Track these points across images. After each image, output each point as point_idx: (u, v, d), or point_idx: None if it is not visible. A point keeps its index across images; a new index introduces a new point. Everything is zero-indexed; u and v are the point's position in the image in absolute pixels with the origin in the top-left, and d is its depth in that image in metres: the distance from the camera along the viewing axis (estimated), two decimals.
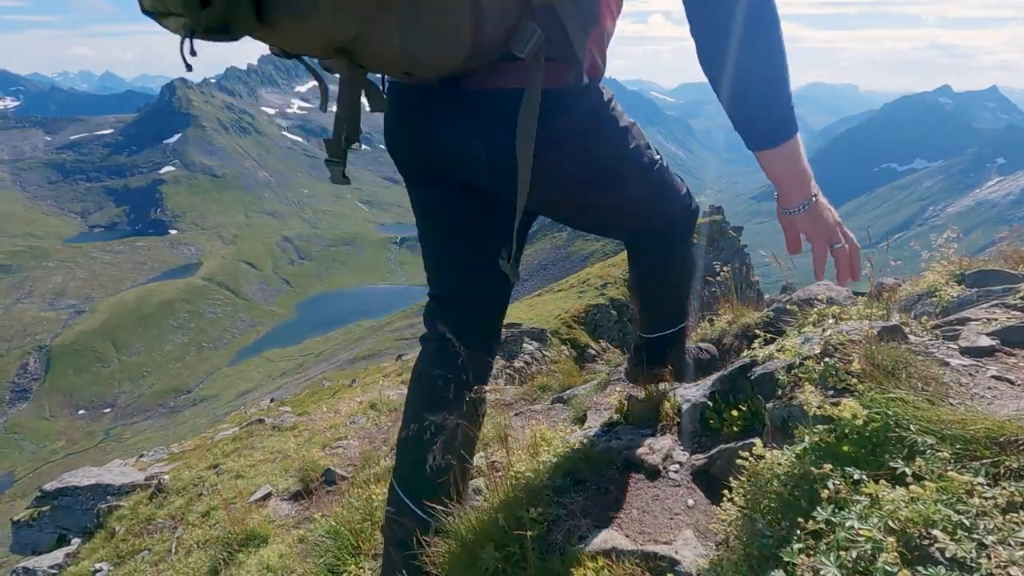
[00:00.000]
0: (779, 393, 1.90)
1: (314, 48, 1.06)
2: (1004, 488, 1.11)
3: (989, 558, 0.98)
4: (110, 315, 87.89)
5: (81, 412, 75.24)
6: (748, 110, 1.21)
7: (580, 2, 1.15)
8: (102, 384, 79.39)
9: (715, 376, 2.42)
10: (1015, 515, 1.04)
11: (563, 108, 1.22)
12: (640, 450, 2.13)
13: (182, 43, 0.97)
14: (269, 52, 1.14)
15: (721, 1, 1.15)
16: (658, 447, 2.15)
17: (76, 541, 5.45)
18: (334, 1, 0.94)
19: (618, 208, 1.56)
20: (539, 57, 1.13)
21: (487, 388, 1.52)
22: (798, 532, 1.18)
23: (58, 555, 5.23)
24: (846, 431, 1.36)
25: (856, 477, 1.23)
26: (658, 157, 1.56)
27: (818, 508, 1.18)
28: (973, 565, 0.98)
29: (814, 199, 1.25)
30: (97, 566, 4.50)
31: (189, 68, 0.99)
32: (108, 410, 76.03)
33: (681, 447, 2.17)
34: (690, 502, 1.85)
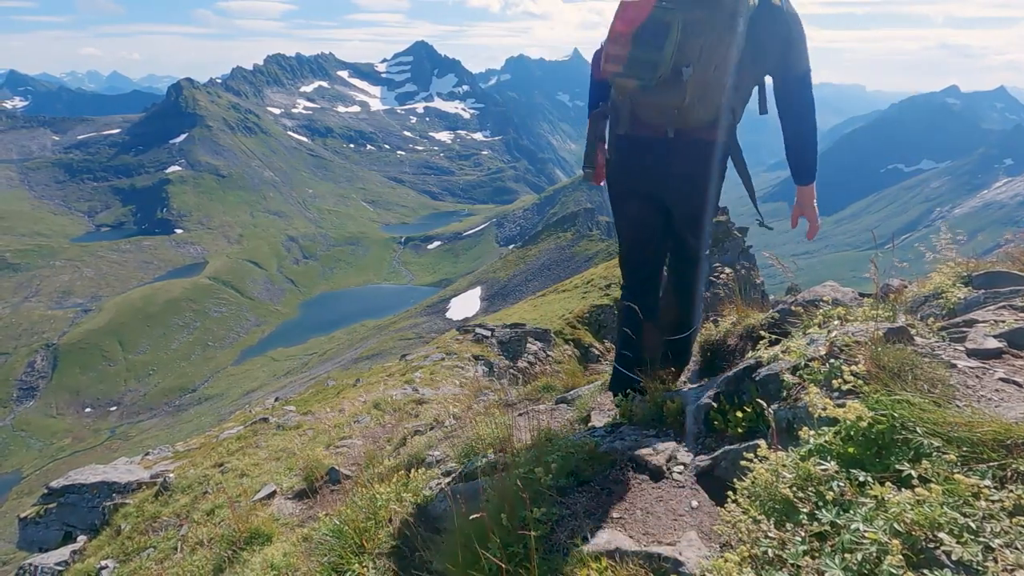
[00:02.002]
0: (784, 394, 1.89)
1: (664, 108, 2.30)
2: (1011, 491, 1.10)
3: (996, 561, 0.97)
4: (116, 314, 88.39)
5: (87, 410, 75.70)
6: (803, 162, 2.39)
7: (739, 109, 2.37)
8: (108, 382, 79.86)
9: (720, 377, 2.41)
10: (1022, 518, 1.04)
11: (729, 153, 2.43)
12: (644, 451, 2.13)
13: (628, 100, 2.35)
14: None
15: (799, 103, 2.31)
16: (662, 448, 2.14)
17: (82, 538, 5.48)
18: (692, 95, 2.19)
19: (703, 221, 2.52)
20: (726, 124, 2.31)
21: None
22: (803, 534, 1.17)
23: (64, 552, 5.26)
24: (851, 433, 1.35)
25: (861, 479, 1.23)
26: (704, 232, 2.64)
27: (823, 510, 1.18)
28: (979, 568, 0.97)
29: (814, 205, 2.46)
30: (103, 563, 4.53)
31: (592, 171, 2.54)
32: (114, 408, 76.46)
33: (685, 448, 2.17)
34: (694, 503, 1.84)
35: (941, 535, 1.03)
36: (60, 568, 5.05)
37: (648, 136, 2.34)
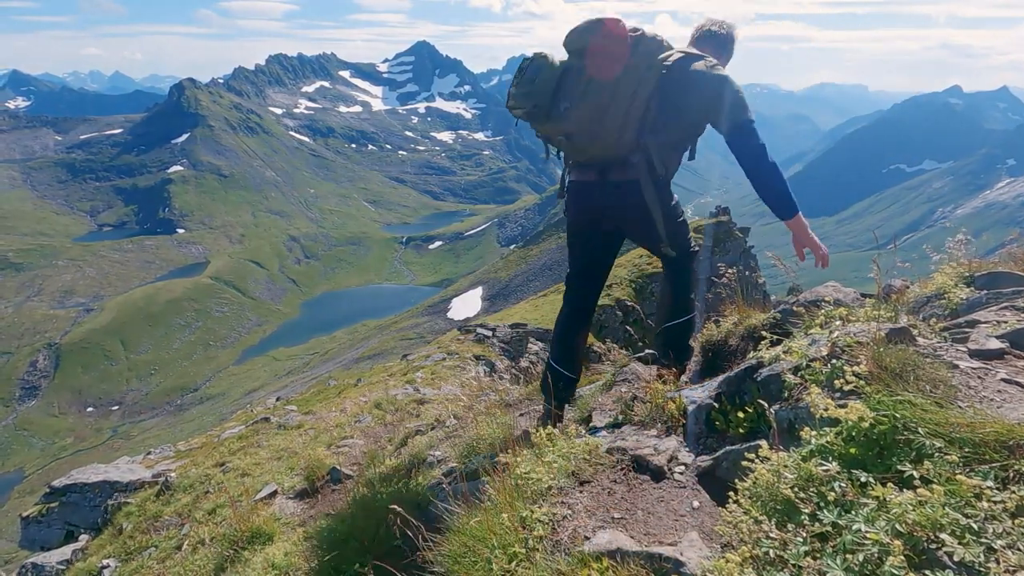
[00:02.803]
0: (785, 395, 1.89)
1: (553, 136, 2.75)
2: (1013, 492, 1.10)
3: (998, 562, 0.97)
4: (118, 313, 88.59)
5: (89, 409, 75.87)
6: (775, 200, 2.53)
7: (662, 153, 2.67)
8: (110, 382, 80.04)
9: (721, 377, 2.41)
10: None
11: (658, 186, 2.74)
12: (645, 451, 2.13)
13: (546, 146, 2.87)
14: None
15: (747, 150, 2.55)
16: (663, 448, 2.14)
17: (84, 537, 5.49)
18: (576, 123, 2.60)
19: (666, 239, 2.84)
20: (639, 163, 2.67)
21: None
22: (804, 535, 1.17)
23: (66, 551, 5.27)
24: (853, 434, 1.35)
25: (863, 480, 1.22)
26: (684, 217, 2.97)
27: (825, 511, 1.18)
28: (981, 569, 0.97)
29: (810, 235, 2.52)
30: (105, 562, 4.53)
31: (546, 155, 2.92)
32: (116, 407, 76.62)
33: (686, 448, 2.17)
34: (695, 504, 1.84)
35: (943, 536, 1.02)
36: (62, 567, 5.06)
37: (586, 181, 2.83)
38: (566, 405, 3.07)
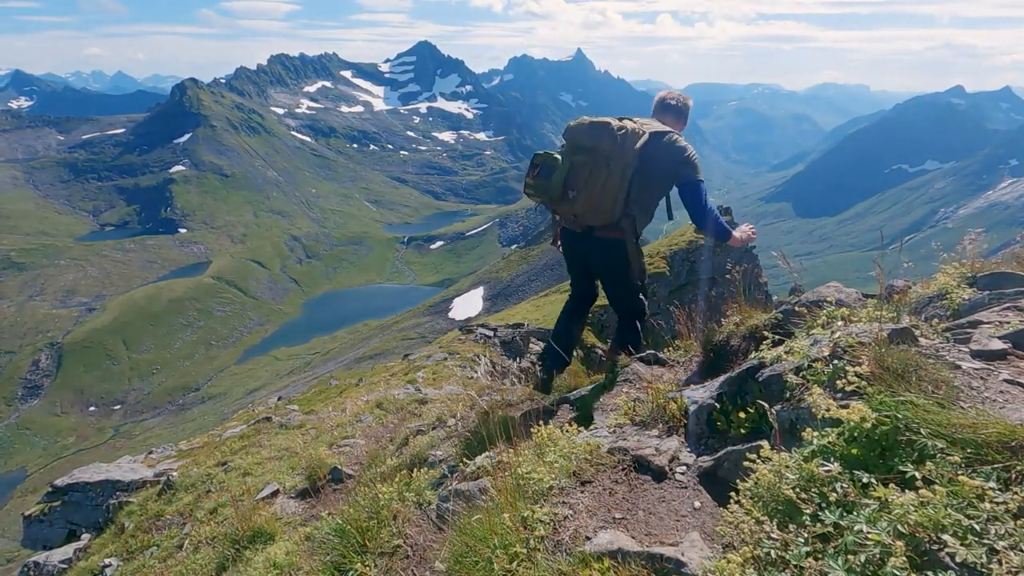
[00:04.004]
0: (787, 395, 1.88)
1: (563, 214, 3.64)
2: (1016, 493, 1.10)
3: (1000, 563, 0.97)
4: (120, 313, 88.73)
5: (91, 409, 76.01)
6: (715, 234, 3.41)
7: (641, 215, 3.47)
8: (112, 381, 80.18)
9: (723, 377, 2.41)
10: None
11: (637, 241, 3.54)
12: (646, 451, 2.12)
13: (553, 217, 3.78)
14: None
15: (692, 202, 3.42)
16: (665, 448, 2.14)
17: (86, 536, 5.50)
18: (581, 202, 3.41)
19: (622, 292, 3.75)
20: (626, 226, 3.44)
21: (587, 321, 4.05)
22: (806, 535, 1.17)
23: (68, 550, 5.28)
24: (855, 434, 1.35)
25: (865, 480, 1.22)
26: (642, 283, 3.72)
27: (826, 511, 1.18)
28: (983, 570, 0.97)
29: (745, 237, 3.54)
30: (106, 561, 4.54)
31: (555, 242, 3.92)
32: (118, 407, 76.76)
33: (688, 449, 2.17)
34: (696, 504, 1.84)
35: (945, 537, 1.02)
36: (64, 566, 5.07)
37: (574, 231, 3.60)
38: (553, 374, 3.87)
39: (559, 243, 3.81)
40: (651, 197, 3.44)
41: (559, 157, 3.39)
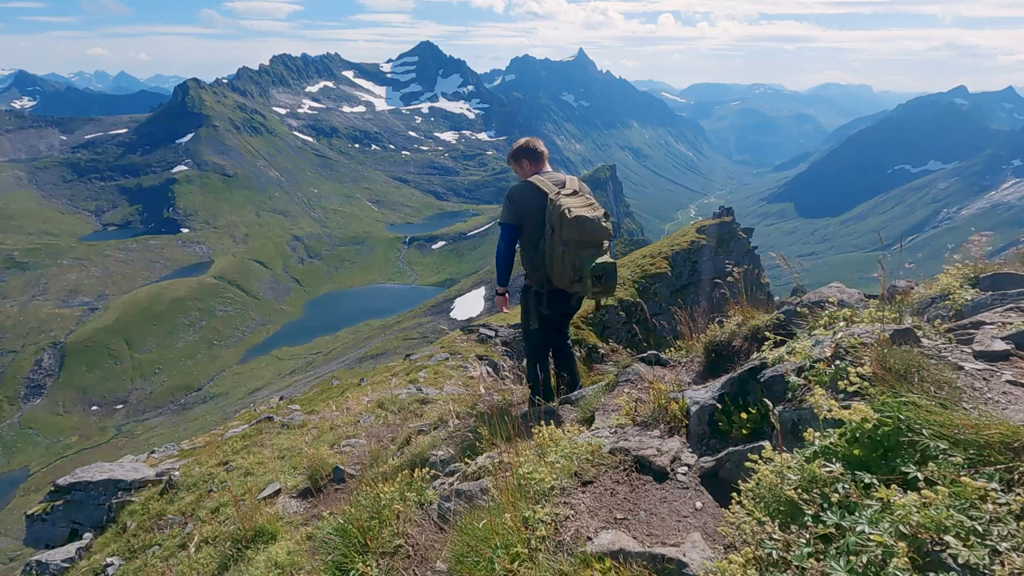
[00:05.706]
0: (789, 396, 1.88)
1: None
2: (1018, 494, 1.10)
3: (1002, 565, 0.97)
4: (123, 312, 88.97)
5: (94, 408, 76.23)
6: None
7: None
8: (115, 380, 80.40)
9: (724, 378, 2.40)
10: None
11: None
12: (648, 452, 2.12)
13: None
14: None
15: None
16: (666, 449, 2.14)
17: (88, 535, 5.52)
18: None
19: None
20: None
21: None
22: (807, 536, 1.17)
23: (71, 549, 5.29)
24: (857, 435, 1.35)
25: (867, 481, 1.22)
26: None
27: (828, 512, 1.18)
28: (986, 572, 0.96)
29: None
30: (109, 560, 4.56)
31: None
32: (120, 406, 76.97)
33: (689, 449, 2.16)
34: (698, 504, 1.84)
35: (947, 538, 1.02)
36: (66, 565, 5.08)
37: (564, 291, 3.88)
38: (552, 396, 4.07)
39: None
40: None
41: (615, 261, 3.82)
